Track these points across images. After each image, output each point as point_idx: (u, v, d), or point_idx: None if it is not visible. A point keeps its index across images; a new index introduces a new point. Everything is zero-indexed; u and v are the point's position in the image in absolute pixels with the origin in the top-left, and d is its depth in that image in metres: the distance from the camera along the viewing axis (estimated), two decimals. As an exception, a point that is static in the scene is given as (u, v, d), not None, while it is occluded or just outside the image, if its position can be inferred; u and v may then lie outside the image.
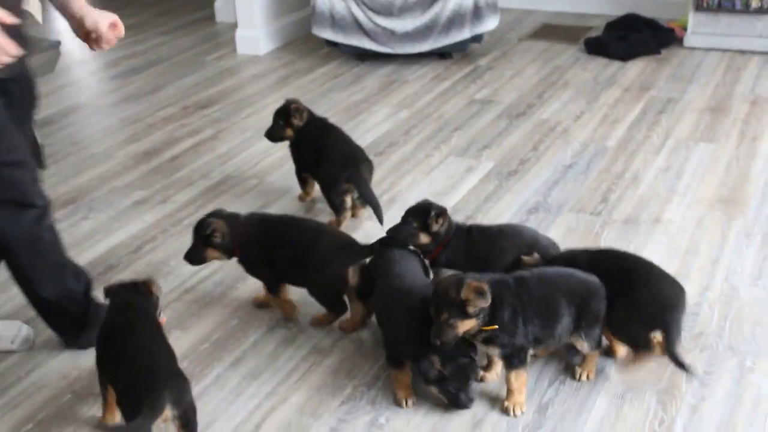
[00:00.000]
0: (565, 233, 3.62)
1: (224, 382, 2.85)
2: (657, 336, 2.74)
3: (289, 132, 3.92)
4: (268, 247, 3.09)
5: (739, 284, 3.25)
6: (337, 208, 3.76)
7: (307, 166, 3.93)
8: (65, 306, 2.92)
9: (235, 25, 6.49)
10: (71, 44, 6.59)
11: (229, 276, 3.43)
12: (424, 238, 2.99)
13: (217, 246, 3.09)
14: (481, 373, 2.78)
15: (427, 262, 3.05)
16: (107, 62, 6.30)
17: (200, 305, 3.18)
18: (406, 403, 2.68)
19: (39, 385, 2.86)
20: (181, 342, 3.01)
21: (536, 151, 4.46)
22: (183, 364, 2.60)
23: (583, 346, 2.72)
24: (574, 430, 2.57)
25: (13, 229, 2.74)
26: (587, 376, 2.77)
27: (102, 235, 3.82)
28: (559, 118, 4.89)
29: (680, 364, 2.66)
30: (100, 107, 5.43)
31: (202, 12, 7.50)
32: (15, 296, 3.36)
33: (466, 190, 4.07)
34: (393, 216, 3.77)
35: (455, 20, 5.73)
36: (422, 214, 2.98)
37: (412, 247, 3.03)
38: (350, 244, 3.10)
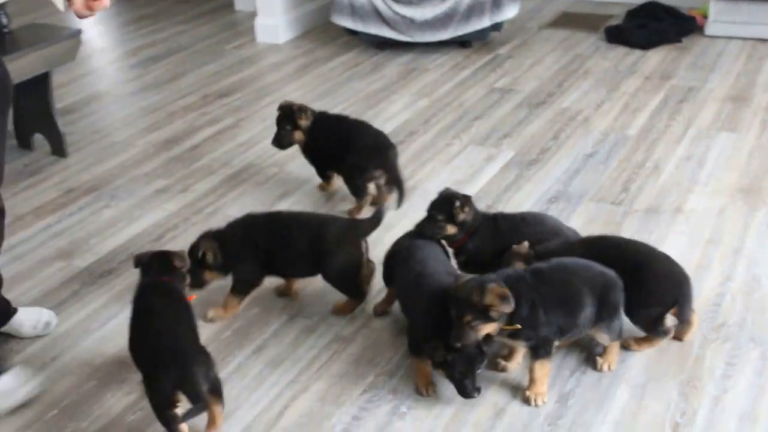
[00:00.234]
0: (586, 223, 3.61)
1: (246, 370, 2.86)
2: (668, 318, 2.75)
3: (299, 135, 3.85)
4: (266, 251, 3.09)
5: (761, 274, 3.23)
6: (361, 192, 3.77)
7: (331, 162, 3.90)
8: None
9: (254, 14, 6.49)
10: (92, 33, 6.64)
11: (251, 264, 3.44)
12: (451, 229, 2.99)
13: (213, 267, 3.07)
14: (503, 362, 2.79)
15: (451, 250, 3.06)
16: (127, 51, 6.32)
17: (221, 294, 3.18)
18: (427, 391, 2.69)
19: (64, 372, 2.89)
20: (202, 331, 3.00)
21: (557, 140, 4.44)
22: (206, 353, 2.61)
23: (603, 338, 2.73)
24: (595, 421, 2.58)
25: None
26: (608, 367, 2.77)
27: (124, 223, 3.84)
28: (579, 106, 4.87)
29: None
30: (120, 96, 5.45)
31: (221, 0, 7.50)
32: (40, 283, 3.40)
33: (487, 179, 4.07)
34: (413, 205, 3.79)
35: (475, 8, 5.71)
36: (447, 205, 2.98)
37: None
38: (353, 224, 3.19)
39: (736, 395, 2.64)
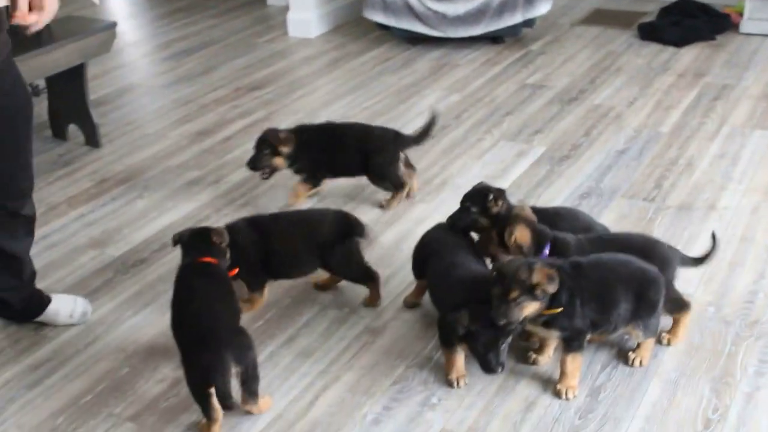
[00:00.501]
0: (618, 219, 3.59)
1: (278, 359, 2.88)
2: None
3: (279, 161, 3.73)
4: (264, 253, 3.06)
5: (795, 273, 3.21)
6: (399, 182, 3.79)
7: (344, 171, 3.87)
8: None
9: (286, 8, 6.52)
10: (125, 26, 6.70)
11: (282, 256, 3.46)
12: (484, 222, 2.99)
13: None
14: (534, 355, 2.79)
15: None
16: (160, 44, 6.36)
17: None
18: (458, 383, 2.70)
19: (97, 358, 2.92)
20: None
21: (588, 137, 4.43)
22: (238, 341, 2.63)
23: (638, 335, 2.71)
24: (626, 415, 2.57)
25: None
26: (641, 362, 2.76)
27: (156, 213, 3.87)
28: (611, 103, 4.85)
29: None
30: (153, 88, 5.49)
31: (253, -5, 7.55)
32: (73, 271, 3.44)
33: (518, 174, 4.06)
34: (444, 199, 3.80)
35: (507, 4, 5.69)
36: (480, 198, 2.98)
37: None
38: (343, 217, 3.17)
39: (770, 392, 2.63)
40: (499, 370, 2.59)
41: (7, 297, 2.99)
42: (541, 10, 5.75)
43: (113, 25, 4.47)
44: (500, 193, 2.99)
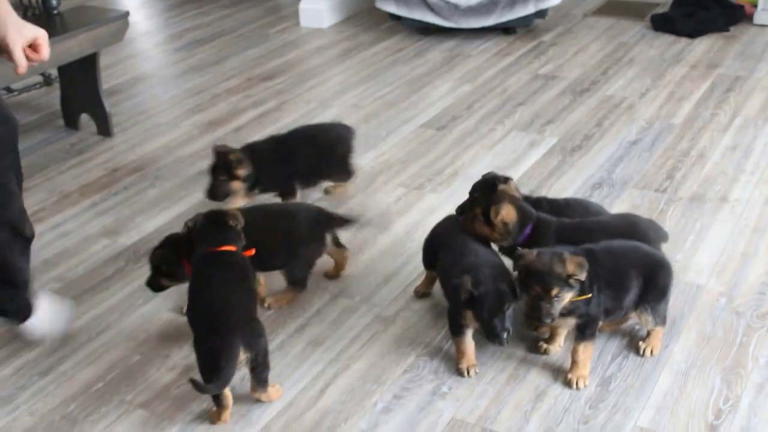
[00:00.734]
0: (629, 209, 3.58)
1: (288, 348, 2.88)
2: None
3: (237, 185, 3.50)
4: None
5: (808, 264, 3.20)
6: (353, 170, 3.77)
7: (310, 178, 3.71)
8: None
9: (298, -2, 6.53)
10: (138, 16, 6.71)
11: (293, 245, 3.47)
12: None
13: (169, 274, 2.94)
14: (544, 345, 2.79)
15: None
16: (172, 34, 6.37)
17: (265, 274, 3.20)
18: (469, 372, 2.70)
19: (109, 346, 2.93)
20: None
21: (600, 127, 4.41)
22: (249, 329, 2.64)
23: (648, 320, 2.71)
24: (637, 405, 2.57)
25: None
26: (651, 352, 2.75)
27: (168, 202, 3.88)
28: (624, 94, 4.83)
29: None
30: (165, 78, 5.50)
31: (265, -15, 7.54)
32: (85, 260, 3.45)
33: (530, 164, 4.05)
34: (456, 189, 3.80)
35: (520, -5, 5.69)
36: (488, 187, 2.98)
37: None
38: (319, 211, 3.14)
39: (781, 383, 2.63)
40: (505, 336, 2.58)
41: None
42: (553, 1, 5.73)
43: (126, 14, 4.48)
44: (507, 182, 2.99)
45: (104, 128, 4.57)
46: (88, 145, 4.49)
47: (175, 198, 3.91)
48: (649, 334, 2.77)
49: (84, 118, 4.65)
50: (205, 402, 2.60)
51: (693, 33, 5.71)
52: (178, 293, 3.01)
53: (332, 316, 3.04)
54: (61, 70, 4.57)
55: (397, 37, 6.00)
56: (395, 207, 3.73)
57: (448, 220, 3.09)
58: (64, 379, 2.78)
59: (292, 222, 3.04)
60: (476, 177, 3.14)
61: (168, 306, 3.11)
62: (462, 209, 3.03)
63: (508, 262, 2.78)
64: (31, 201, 3.90)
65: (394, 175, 4.00)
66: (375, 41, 5.95)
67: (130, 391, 2.71)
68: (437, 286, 3.05)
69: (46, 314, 2.89)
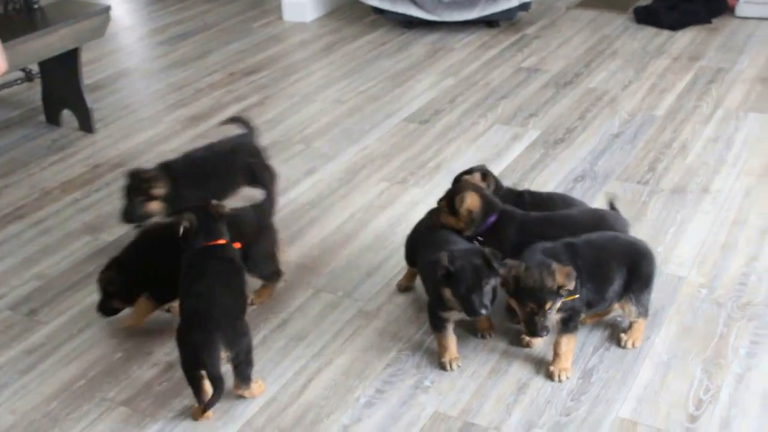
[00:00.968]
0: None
1: (271, 343, 2.88)
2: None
3: (156, 206, 3.25)
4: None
5: (788, 255, 3.22)
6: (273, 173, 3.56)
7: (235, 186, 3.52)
8: None
9: (281, -8, 6.51)
10: (120, 10, 6.67)
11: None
12: None
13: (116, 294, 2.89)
14: (527, 338, 2.79)
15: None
16: (155, 28, 6.34)
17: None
18: (451, 366, 2.70)
19: (91, 343, 2.92)
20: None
21: (583, 120, 4.42)
22: (231, 325, 2.63)
23: (631, 311, 2.73)
24: (617, 397, 2.58)
25: None
26: (633, 344, 2.77)
27: (150, 198, 3.86)
28: (606, 87, 4.84)
29: None
30: (147, 72, 5.47)
31: (248, -21, 7.52)
32: (67, 256, 3.44)
33: (512, 158, 4.06)
34: (439, 182, 3.80)
35: (503, -12, 5.69)
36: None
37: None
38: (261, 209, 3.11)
39: (761, 373, 2.63)
40: (483, 311, 2.57)
41: None
42: (537, -7, 5.74)
43: (107, 9, 4.46)
44: (485, 174, 3.01)
45: (86, 124, 4.55)
46: (69, 141, 4.47)
47: (158, 194, 3.89)
48: (630, 326, 2.78)
49: (66, 113, 4.63)
50: (188, 398, 2.59)
51: (675, 25, 5.72)
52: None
53: (315, 311, 3.04)
54: (43, 65, 4.55)
55: (381, 30, 5.99)
56: (378, 201, 3.73)
57: (430, 215, 3.08)
58: (46, 377, 2.77)
59: (237, 228, 2.91)
60: (459, 171, 3.14)
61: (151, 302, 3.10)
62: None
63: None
64: (13, 197, 3.89)
65: (376, 169, 4.00)
66: (358, 35, 5.94)
67: (112, 389, 2.71)
68: (420, 281, 3.05)
69: None
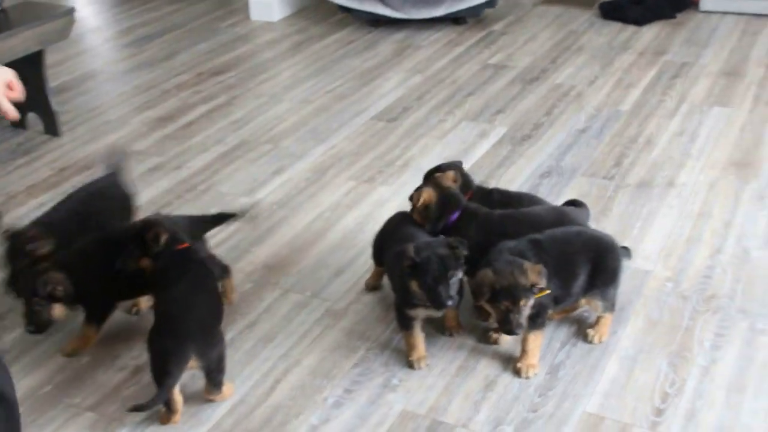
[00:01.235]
0: (579, 197, 3.59)
1: (239, 345, 2.87)
2: None
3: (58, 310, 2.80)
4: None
5: (751, 247, 3.25)
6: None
7: None
8: None
9: (248, -9, 6.48)
10: (85, 12, 6.63)
11: (244, 241, 3.46)
12: None
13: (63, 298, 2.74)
14: (494, 335, 2.81)
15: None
16: (121, 30, 6.30)
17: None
18: (419, 364, 2.71)
19: (57, 348, 2.89)
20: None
21: (550, 116, 4.45)
22: (198, 327, 2.62)
23: (597, 306, 2.74)
24: (585, 392, 2.59)
25: None
26: (599, 339, 2.78)
27: (117, 201, 3.84)
28: (573, 82, 4.87)
29: None
30: (114, 74, 5.44)
31: (215, -22, 7.48)
32: None
33: (480, 154, 4.07)
34: (407, 181, 3.80)
35: (469, -15, 5.70)
36: (431, 173, 3.06)
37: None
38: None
39: (725, 365, 2.66)
40: (450, 303, 2.58)
41: None
42: (503, -10, 5.75)
43: (71, 11, 4.42)
44: (453, 169, 3.03)
45: (51, 127, 4.51)
46: (35, 145, 4.43)
47: (125, 196, 3.88)
48: (597, 321, 2.80)
49: (31, 116, 4.59)
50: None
51: (641, 20, 5.76)
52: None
53: (283, 312, 3.04)
54: (6, 68, 4.50)
55: (348, 29, 5.99)
56: (346, 200, 3.73)
57: (397, 216, 3.09)
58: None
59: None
60: (427, 168, 3.14)
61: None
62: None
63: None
64: (-23, 202, 3.86)
65: (344, 168, 4.00)
66: (325, 34, 5.93)
67: (79, 394, 2.69)
68: (387, 279, 3.05)
69: None
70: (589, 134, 4.21)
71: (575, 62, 5.17)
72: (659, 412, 2.50)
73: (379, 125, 4.44)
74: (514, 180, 3.80)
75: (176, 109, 4.80)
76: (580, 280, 2.70)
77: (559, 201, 3.45)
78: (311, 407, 2.59)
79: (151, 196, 3.84)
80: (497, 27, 5.88)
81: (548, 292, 2.61)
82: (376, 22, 5.95)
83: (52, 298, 2.73)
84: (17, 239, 2.89)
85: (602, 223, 3.40)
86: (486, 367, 2.72)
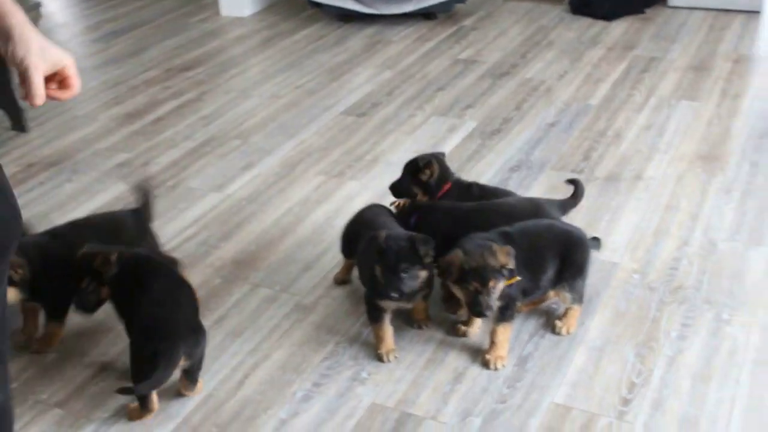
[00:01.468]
0: (548, 191, 3.63)
1: (208, 339, 2.84)
2: None
3: (13, 294, 2.68)
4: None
5: (717, 239, 3.28)
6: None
7: None
8: None
9: (218, -13, 6.46)
10: (52, 7, 6.57)
11: (213, 236, 3.45)
12: (416, 190, 3.10)
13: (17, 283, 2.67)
14: (463, 327, 2.81)
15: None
16: (89, 25, 6.26)
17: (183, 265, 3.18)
18: (388, 357, 2.71)
19: (23, 345, 2.87)
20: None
21: (519, 110, 4.46)
22: (166, 322, 2.61)
23: (566, 298, 2.76)
24: (553, 383, 2.60)
25: None
26: (567, 331, 2.80)
27: (85, 197, 3.81)
28: (542, 77, 4.89)
29: None
30: (82, 70, 5.32)
31: (184, -26, 7.44)
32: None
33: (449, 149, 4.07)
34: (376, 175, 3.80)
35: (439, -20, 5.71)
36: (413, 167, 3.10)
37: (390, 206, 3.07)
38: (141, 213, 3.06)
39: (691, 355, 2.68)
40: (393, 294, 2.60)
41: None
42: (473, -15, 5.77)
43: (37, 5, 4.39)
44: (426, 162, 3.05)
45: (18, 123, 4.47)
46: (1, 141, 4.39)
47: (92, 192, 3.85)
48: (565, 313, 2.82)
49: (-3, 113, 4.56)
50: (123, 399, 2.56)
51: (610, 15, 5.80)
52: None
53: (252, 306, 3.03)
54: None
55: (318, 24, 5.98)
56: (315, 195, 3.73)
57: (369, 208, 3.09)
58: (-23, 380, 2.72)
59: (116, 233, 2.89)
60: (396, 163, 3.17)
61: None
62: (391, 187, 3.16)
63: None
64: (-58, 199, 3.80)
65: (314, 163, 4.00)
66: (295, 29, 5.92)
67: (46, 390, 2.67)
68: (356, 273, 3.06)
69: None
70: (559, 128, 4.23)
71: (545, 57, 5.19)
72: (626, 402, 2.51)
73: (348, 120, 4.44)
74: (483, 173, 3.81)
75: (145, 105, 4.78)
76: (549, 273, 2.72)
77: (528, 194, 3.48)
78: (280, 401, 2.58)
79: (119, 192, 3.82)
80: (467, 22, 5.89)
81: (519, 279, 2.61)
82: (347, 17, 5.95)
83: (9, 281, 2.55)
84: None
85: (571, 216, 3.38)
86: (455, 360, 2.72)
